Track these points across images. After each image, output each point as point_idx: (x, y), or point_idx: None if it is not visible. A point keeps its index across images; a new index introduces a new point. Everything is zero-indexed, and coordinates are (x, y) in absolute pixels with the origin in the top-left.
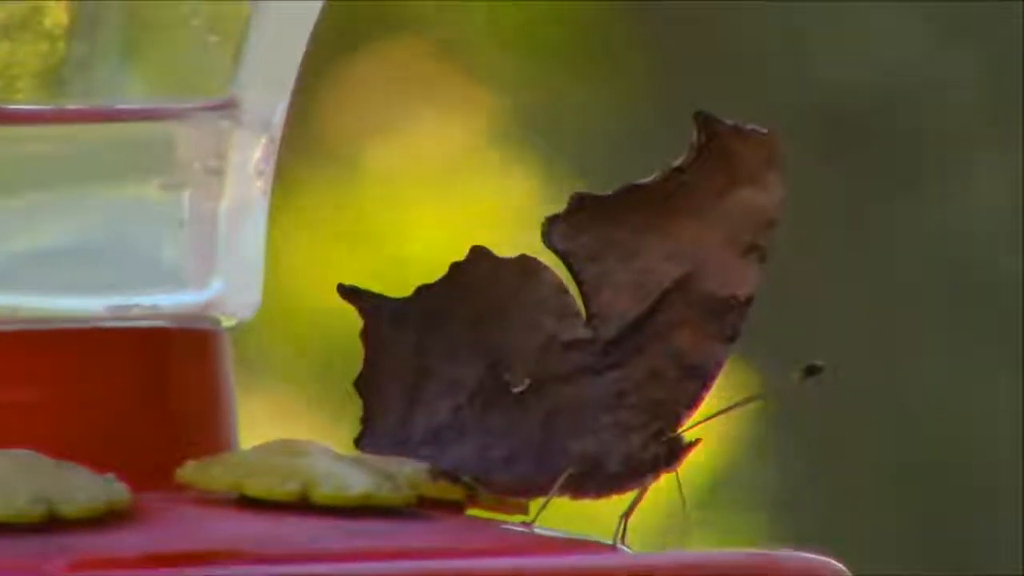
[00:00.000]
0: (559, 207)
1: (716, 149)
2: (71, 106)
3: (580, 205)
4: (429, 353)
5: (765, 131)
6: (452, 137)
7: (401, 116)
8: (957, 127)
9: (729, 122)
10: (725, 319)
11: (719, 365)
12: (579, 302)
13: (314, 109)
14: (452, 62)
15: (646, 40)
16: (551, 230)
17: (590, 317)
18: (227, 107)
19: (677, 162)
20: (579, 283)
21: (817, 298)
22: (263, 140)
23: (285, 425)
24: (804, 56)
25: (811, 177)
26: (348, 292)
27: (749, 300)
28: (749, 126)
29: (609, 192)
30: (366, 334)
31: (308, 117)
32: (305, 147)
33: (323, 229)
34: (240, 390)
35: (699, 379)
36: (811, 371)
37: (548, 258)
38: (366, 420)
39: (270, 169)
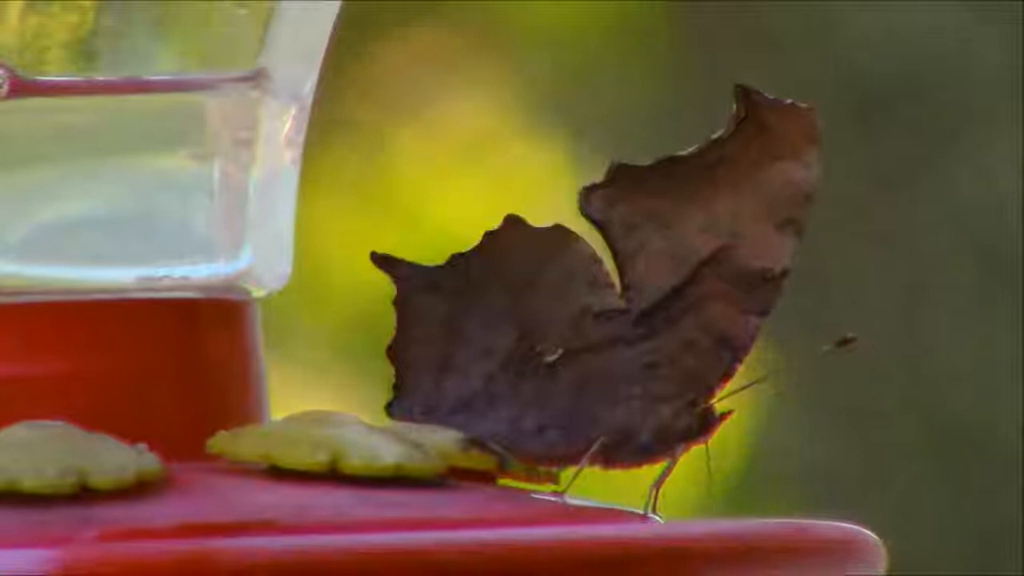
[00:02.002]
0: (586, 181)
1: (755, 123)
2: (101, 77)
3: (617, 175)
4: (462, 321)
5: (805, 105)
6: (480, 114)
7: (429, 94)
8: (985, 101)
9: (769, 96)
10: (759, 292)
11: (752, 337)
12: (613, 273)
13: (343, 87)
14: (480, 40)
15: (672, 15)
16: (588, 199)
17: (625, 287)
18: (257, 78)
19: (716, 135)
20: (614, 253)
21: (845, 270)
22: (293, 111)
23: (315, 395)
24: (831, 29)
25: (838, 151)
26: (381, 260)
27: (784, 274)
28: (788, 101)
29: (647, 162)
30: (399, 301)
31: (336, 96)
32: (334, 126)
33: (351, 204)
34: (270, 361)
35: (732, 351)
36: (844, 343)
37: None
38: (397, 386)
39: (300, 140)
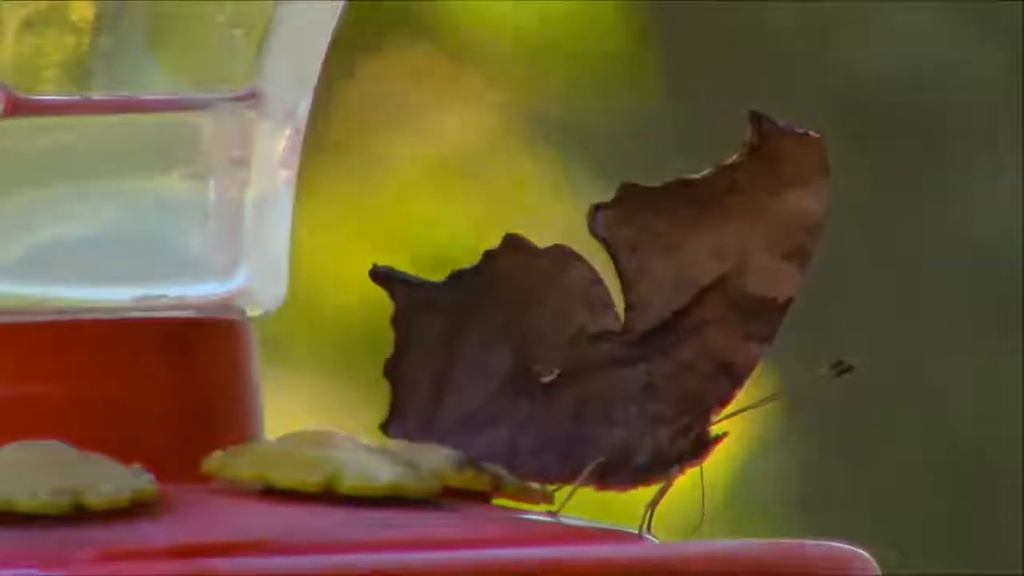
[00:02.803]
0: (584, 198)
1: (767, 150)
2: (96, 97)
3: (626, 196)
4: (459, 340)
5: (816, 134)
6: (471, 135)
7: (421, 115)
8: (983, 119)
9: (782, 123)
10: (761, 320)
11: (752, 364)
12: (614, 293)
13: (335, 107)
14: (471, 62)
15: (665, 35)
16: (596, 217)
17: (627, 307)
18: (251, 98)
19: (728, 160)
20: (619, 272)
21: (841, 292)
22: (288, 131)
23: (310, 415)
24: (828, 48)
25: (836, 170)
26: (381, 275)
27: (788, 303)
28: (801, 128)
29: (658, 184)
30: (397, 319)
31: (329, 115)
32: (326, 144)
33: (345, 224)
34: (266, 380)
35: (731, 376)
36: (839, 368)
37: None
38: (394, 405)
39: (295, 160)
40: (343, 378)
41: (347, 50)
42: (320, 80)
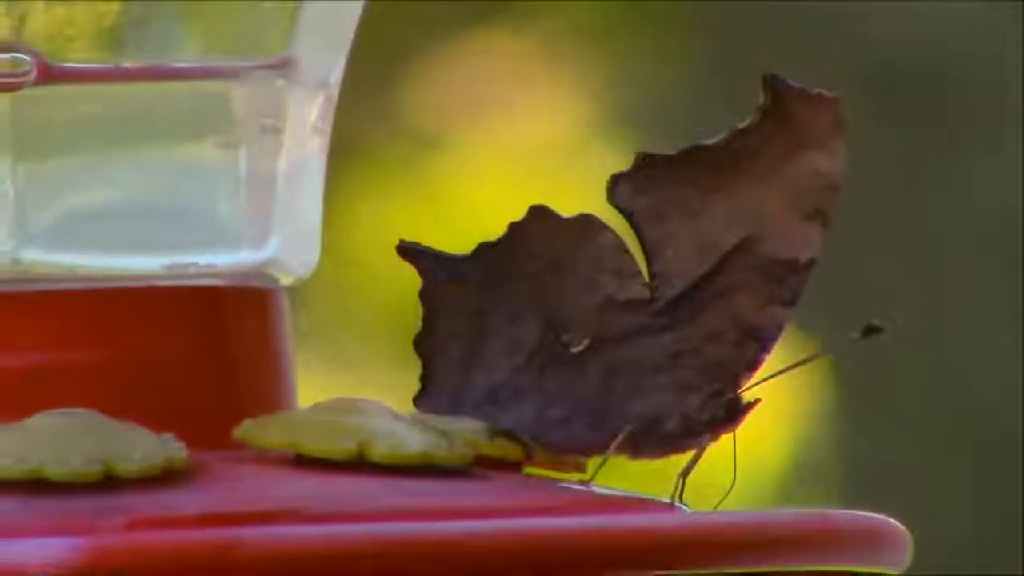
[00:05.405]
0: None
1: (782, 112)
2: (128, 65)
3: (645, 164)
4: (488, 312)
5: (831, 95)
6: (550, 121)
7: (499, 100)
8: (1009, 88)
9: (796, 85)
10: (785, 283)
11: (779, 328)
12: (640, 262)
13: (412, 92)
14: (542, 45)
15: (718, 24)
16: (616, 188)
17: (652, 277)
18: (283, 66)
19: (743, 124)
20: (642, 242)
21: (869, 258)
22: (320, 99)
23: (343, 384)
24: (857, 17)
25: (862, 138)
26: (408, 250)
27: (810, 264)
28: (815, 90)
29: (675, 152)
30: (425, 293)
31: (405, 100)
32: (401, 129)
33: (403, 200)
34: (299, 348)
35: (758, 341)
36: (869, 331)
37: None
38: (425, 379)
39: (327, 128)
40: (379, 348)
41: (424, 35)
42: (390, 63)
